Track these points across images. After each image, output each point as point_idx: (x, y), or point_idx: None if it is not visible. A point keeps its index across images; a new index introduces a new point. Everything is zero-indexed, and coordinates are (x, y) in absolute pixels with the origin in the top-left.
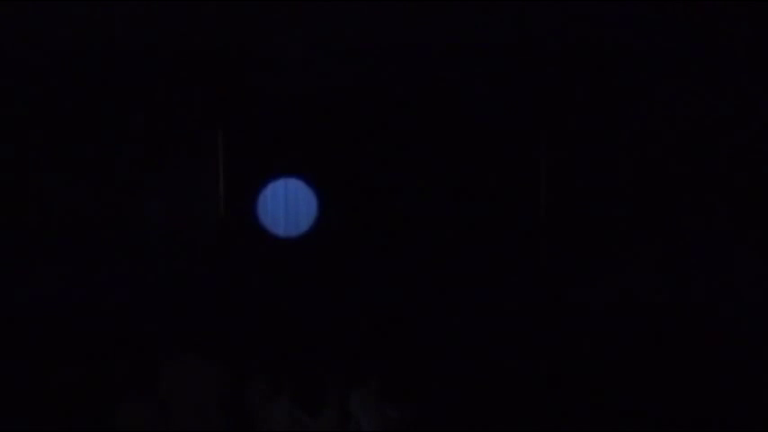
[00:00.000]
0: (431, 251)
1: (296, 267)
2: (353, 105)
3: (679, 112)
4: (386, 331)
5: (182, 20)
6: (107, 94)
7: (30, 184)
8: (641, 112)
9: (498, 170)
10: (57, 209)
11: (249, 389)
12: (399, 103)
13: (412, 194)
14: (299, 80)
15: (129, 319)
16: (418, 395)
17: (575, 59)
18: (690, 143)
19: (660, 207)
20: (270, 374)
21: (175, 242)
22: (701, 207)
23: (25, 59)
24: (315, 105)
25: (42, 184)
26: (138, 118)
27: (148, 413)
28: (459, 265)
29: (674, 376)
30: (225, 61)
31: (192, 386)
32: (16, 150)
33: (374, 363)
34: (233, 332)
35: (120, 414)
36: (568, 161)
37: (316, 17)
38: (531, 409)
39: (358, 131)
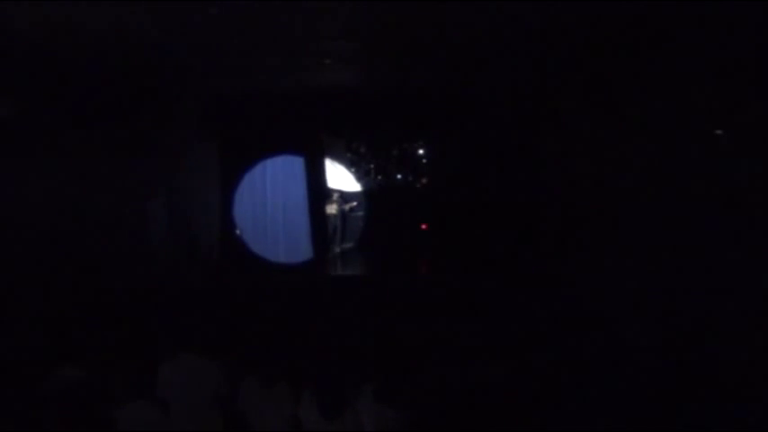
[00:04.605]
0: (431, 254)
1: (294, 270)
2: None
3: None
4: (385, 332)
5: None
6: (104, 101)
7: (32, 188)
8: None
9: (498, 171)
10: (62, 212)
11: (249, 389)
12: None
13: (407, 200)
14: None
15: (129, 319)
16: (417, 396)
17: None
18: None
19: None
20: (270, 375)
21: (176, 245)
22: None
23: (25, 62)
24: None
25: (45, 189)
26: (139, 129)
27: (148, 413)
28: (458, 267)
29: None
30: (224, 70)
31: (191, 386)
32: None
33: (374, 364)
34: (233, 333)
35: (120, 414)
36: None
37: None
38: (530, 410)
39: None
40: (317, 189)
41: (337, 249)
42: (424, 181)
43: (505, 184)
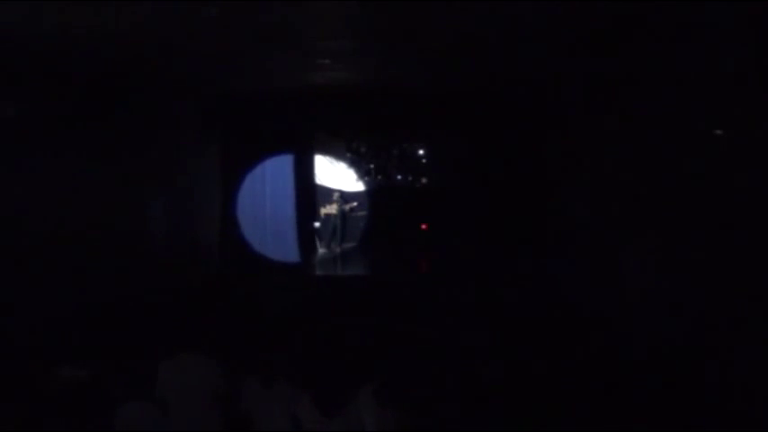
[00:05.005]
0: (431, 254)
1: (295, 269)
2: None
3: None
4: (385, 332)
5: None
6: (104, 103)
7: (34, 188)
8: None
9: (500, 172)
10: (62, 212)
11: (249, 388)
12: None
13: (407, 200)
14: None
15: (129, 319)
16: (417, 396)
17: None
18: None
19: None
20: (270, 374)
21: (175, 245)
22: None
23: (24, 62)
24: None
25: (48, 190)
26: (140, 130)
27: (148, 413)
28: (458, 267)
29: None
30: (225, 70)
31: (191, 386)
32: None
33: (374, 364)
34: (233, 333)
35: (120, 414)
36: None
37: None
38: (530, 410)
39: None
40: (313, 187)
41: (337, 249)
42: (423, 181)
43: (505, 184)
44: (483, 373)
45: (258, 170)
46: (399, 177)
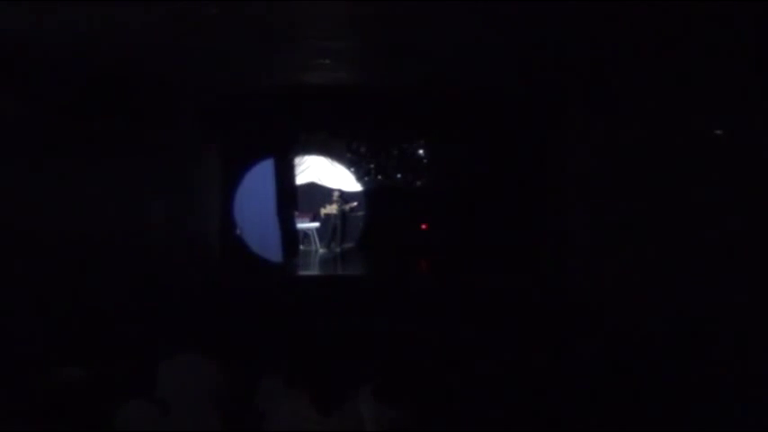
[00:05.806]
0: (431, 254)
1: (291, 270)
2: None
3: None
4: (385, 332)
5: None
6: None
7: (34, 188)
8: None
9: (502, 171)
10: (62, 212)
11: (251, 388)
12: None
13: (407, 200)
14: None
15: (129, 318)
16: (417, 396)
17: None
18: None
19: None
20: (270, 374)
21: (176, 244)
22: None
23: (24, 63)
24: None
25: (48, 190)
26: (141, 131)
27: (148, 413)
28: (458, 267)
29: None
30: (225, 71)
31: (191, 386)
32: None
33: (374, 364)
34: (232, 333)
35: (120, 414)
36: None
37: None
38: (531, 409)
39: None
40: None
41: (337, 249)
42: (423, 181)
43: (505, 184)
44: (483, 373)
45: (257, 170)
46: (399, 177)
